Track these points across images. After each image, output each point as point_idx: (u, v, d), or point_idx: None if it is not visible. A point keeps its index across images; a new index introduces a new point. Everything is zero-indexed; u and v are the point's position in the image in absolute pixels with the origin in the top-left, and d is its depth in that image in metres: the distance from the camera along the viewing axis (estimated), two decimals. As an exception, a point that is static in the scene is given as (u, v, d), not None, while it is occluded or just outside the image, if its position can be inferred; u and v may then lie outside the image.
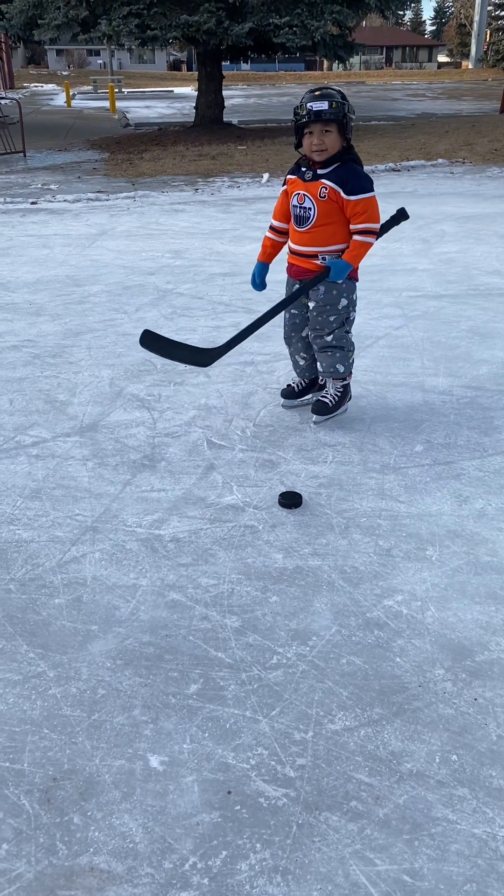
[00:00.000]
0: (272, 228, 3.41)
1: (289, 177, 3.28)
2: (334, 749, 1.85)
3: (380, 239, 3.31)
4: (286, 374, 3.94)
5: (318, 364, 3.50)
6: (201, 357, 3.46)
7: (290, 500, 2.87)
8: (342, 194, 3.09)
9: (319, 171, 3.13)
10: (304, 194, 3.17)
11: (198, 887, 1.55)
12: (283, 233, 3.37)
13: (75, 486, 3.01)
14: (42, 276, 6.14)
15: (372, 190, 3.13)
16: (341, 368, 3.43)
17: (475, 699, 1.99)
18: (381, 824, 1.67)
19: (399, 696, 2.01)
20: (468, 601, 2.36)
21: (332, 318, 3.31)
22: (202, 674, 2.08)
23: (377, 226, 3.18)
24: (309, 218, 3.18)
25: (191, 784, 1.77)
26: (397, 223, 3.35)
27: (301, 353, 3.55)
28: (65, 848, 1.63)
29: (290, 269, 3.38)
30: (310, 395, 3.67)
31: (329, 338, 3.35)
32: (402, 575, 2.48)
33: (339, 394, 3.51)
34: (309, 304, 3.36)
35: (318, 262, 3.24)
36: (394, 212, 3.37)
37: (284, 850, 1.62)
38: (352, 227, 3.17)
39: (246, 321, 4.85)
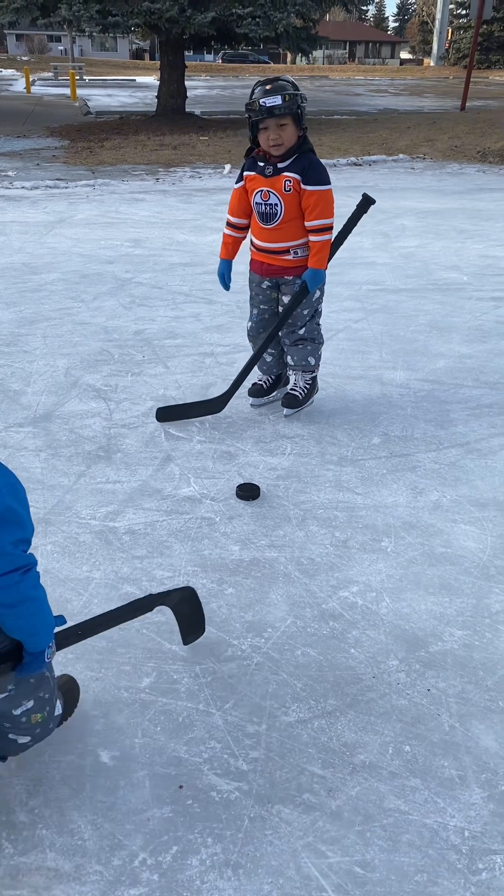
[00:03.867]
0: (231, 225, 3.33)
1: (247, 173, 3.18)
2: (287, 741, 1.84)
3: (352, 233, 3.29)
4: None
5: (289, 358, 3.46)
6: (214, 405, 3.45)
7: (248, 492, 2.85)
8: (301, 183, 3.04)
9: (280, 165, 3.06)
10: (267, 191, 3.09)
11: (147, 884, 1.52)
12: (243, 228, 3.31)
13: (27, 478, 2.95)
14: (-3, 263, 6.01)
15: (329, 183, 3.08)
16: (312, 361, 3.43)
17: (428, 690, 2.00)
18: (334, 816, 1.66)
19: (353, 687, 2.00)
20: (422, 592, 2.37)
21: (305, 311, 3.30)
22: (155, 667, 2.05)
23: (330, 221, 3.12)
24: (276, 214, 3.12)
25: (142, 779, 1.74)
26: (365, 211, 3.24)
27: (270, 350, 3.48)
28: (11, 846, 1.59)
29: (259, 266, 3.30)
30: (276, 392, 3.64)
31: (301, 331, 3.34)
32: (358, 566, 2.48)
33: (308, 386, 3.51)
34: (283, 298, 3.32)
35: (290, 256, 3.20)
36: (358, 200, 3.24)
37: (236, 844, 1.60)
38: (306, 223, 3.11)
39: (206, 311, 4.82)
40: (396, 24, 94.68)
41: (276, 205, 3.10)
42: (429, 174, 11.01)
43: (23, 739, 1.62)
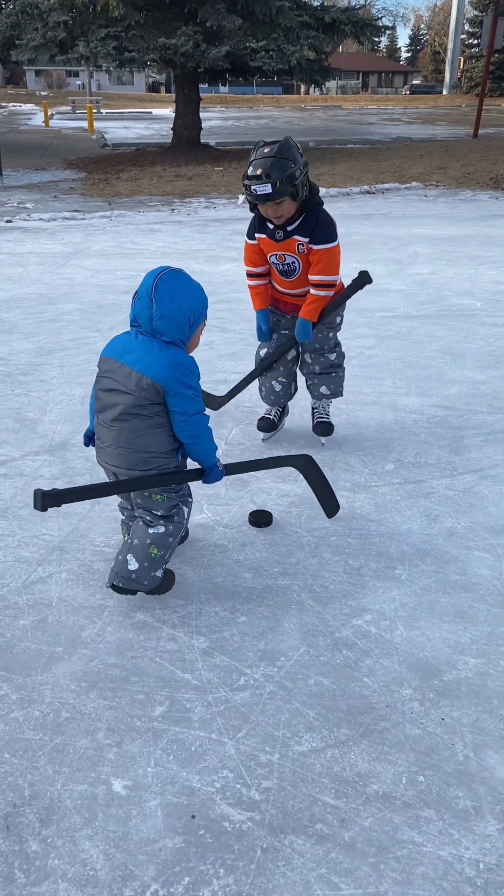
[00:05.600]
0: (252, 275, 3.28)
1: (258, 235, 3.15)
2: (300, 771, 1.83)
3: (349, 300, 3.32)
4: (257, 392, 3.93)
5: (323, 388, 3.43)
6: (212, 401, 3.55)
7: (261, 519, 2.86)
8: (310, 244, 3.05)
9: (289, 229, 3.04)
10: (282, 254, 3.11)
11: (159, 915, 1.51)
12: (265, 274, 3.28)
13: (43, 505, 2.98)
14: (15, 293, 6.11)
15: (335, 238, 3.08)
16: (341, 388, 3.48)
17: (442, 719, 1.98)
18: (347, 847, 1.65)
19: (366, 716, 1.99)
20: (437, 620, 2.36)
21: (330, 335, 3.33)
22: (168, 696, 2.05)
23: (333, 278, 3.13)
24: (295, 270, 3.14)
25: (154, 808, 1.74)
26: (361, 287, 3.29)
27: (280, 378, 3.46)
28: (23, 876, 1.59)
29: (284, 305, 3.32)
30: (281, 424, 3.64)
31: (332, 356, 3.37)
32: (372, 594, 2.48)
33: (328, 410, 3.58)
34: None
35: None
36: (356, 274, 3.29)
37: (248, 876, 1.59)
38: (310, 277, 3.12)
39: (220, 339, 4.87)
40: (409, 55, 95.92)
41: (293, 262, 3.12)
42: (441, 201, 11.09)
43: (132, 565, 2.31)
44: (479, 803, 1.75)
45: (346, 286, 3.29)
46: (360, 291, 3.31)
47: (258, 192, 2.85)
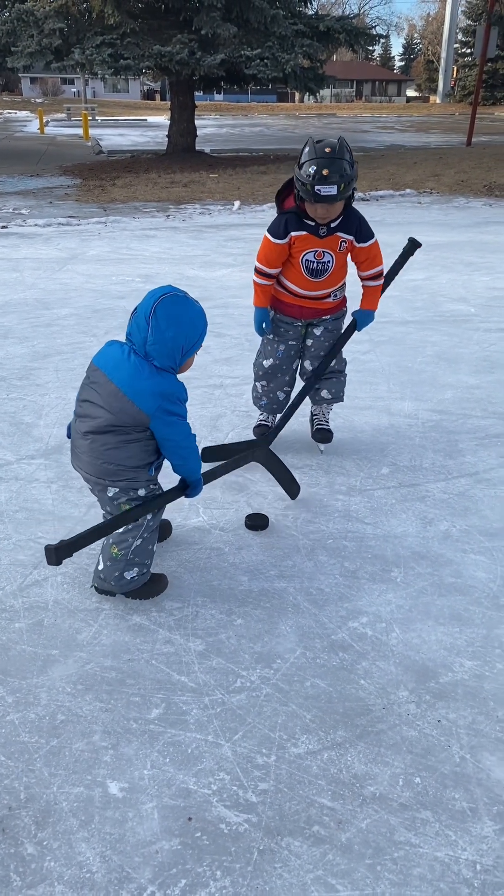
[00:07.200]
0: (265, 275, 3.20)
1: (295, 234, 3.03)
2: (297, 773, 1.83)
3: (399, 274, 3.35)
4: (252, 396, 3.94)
5: (325, 391, 3.42)
6: (259, 446, 3.19)
7: (257, 522, 2.86)
8: (354, 242, 3.07)
9: (333, 225, 3.02)
10: (322, 251, 3.07)
11: (155, 917, 1.51)
12: (276, 276, 3.23)
13: (39, 509, 2.98)
14: (10, 298, 6.11)
15: (374, 233, 3.12)
16: (343, 392, 3.49)
17: (439, 721, 1.99)
18: (344, 849, 1.65)
19: (363, 718, 1.99)
20: (432, 622, 2.36)
21: (331, 340, 3.32)
22: (164, 698, 2.05)
23: (382, 267, 3.19)
24: (327, 269, 3.11)
25: (150, 811, 1.73)
26: (412, 254, 3.31)
27: (284, 387, 3.44)
28: (19, 879, 1.58)
29: (298, 311, 3.26)
30: (274, 425, 3.63)
31: (333, 362, 3.36)
32: (368, 597, 2.48)
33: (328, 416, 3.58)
34: (313, 330, 3.32)
35: (330, 299, 3.24)
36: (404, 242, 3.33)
37: (245, 878, 1.59)
38: (362, 274, 3.17)
39: (215, 344, 4.88)
40: (402, 63, 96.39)
41: (328, 262, 3.09)
42: (435, 208, 11.14)
43: (100, 565, 2.40)
44: (476, 805, 1.75)
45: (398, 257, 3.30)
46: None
47: (323, 193, 2.80)
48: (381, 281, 3.23)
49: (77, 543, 2.20)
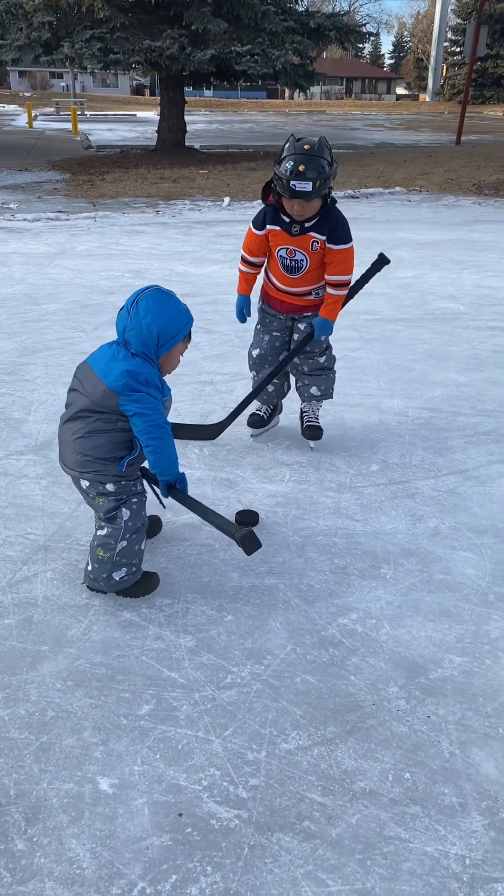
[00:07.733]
0: (248, 263, 3.26)
1: (270, 227, 3.08)
2: (287, 769, 1.83)
3: (365, 286, 3.32)
4: (244, 393, 3.94)
5: (313, 388, 3.42)
6: (209, 432, 3.41)
7: (247, 519, 2.86)
8: (326, 242, 3.04)
9: (307, 225, 3.02)
10: (293, 249, 3.07)
11: (146, 913, 1.51)
12: (259, 265, 3.27)
13: (28, 505, 2.96)
14: (-1, 293, 6.07)
15: (351, 239, 3.07)
16: (332, 389, 3.47)
17: (428, 717, 1.99)
18: (334, 844, 1.65)
19: (353, 714, 2.00)
20: (422, 619, 2.37)
21: (322, 338, 3.30)
22: (154, 694, 2.05)
23: (349, 277, 3.12)
24: (301, 268, 3.11)
25: (141, 807, 1.73)
26: (378, 270, 3.29)
27: (273, 379, 3.44)
28: (9, 875, 1.58)
29: (279, 304, 3.29)
30: (274, 422, 3.66)
31: (322, 359, 3.36)
32: (358, 593, 2.49)
33: (317, 413, 3.56)
34: (298, 325, 3.32)
35: (312, 297, 3.22)
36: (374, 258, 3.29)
37: (236, 873, 1.59)
38: (327, 277, 3.11)
39: (205, 341, 4.87)
40: (392, 61, 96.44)
41: (301, 260, 3.09)
42: (425, 206, 11.17)
43: (89, 566, 2.39)
44: (465, 800, 1.76)
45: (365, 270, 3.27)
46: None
47: (298, 189, 2.83)
48: (345, 291, 3.15)
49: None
